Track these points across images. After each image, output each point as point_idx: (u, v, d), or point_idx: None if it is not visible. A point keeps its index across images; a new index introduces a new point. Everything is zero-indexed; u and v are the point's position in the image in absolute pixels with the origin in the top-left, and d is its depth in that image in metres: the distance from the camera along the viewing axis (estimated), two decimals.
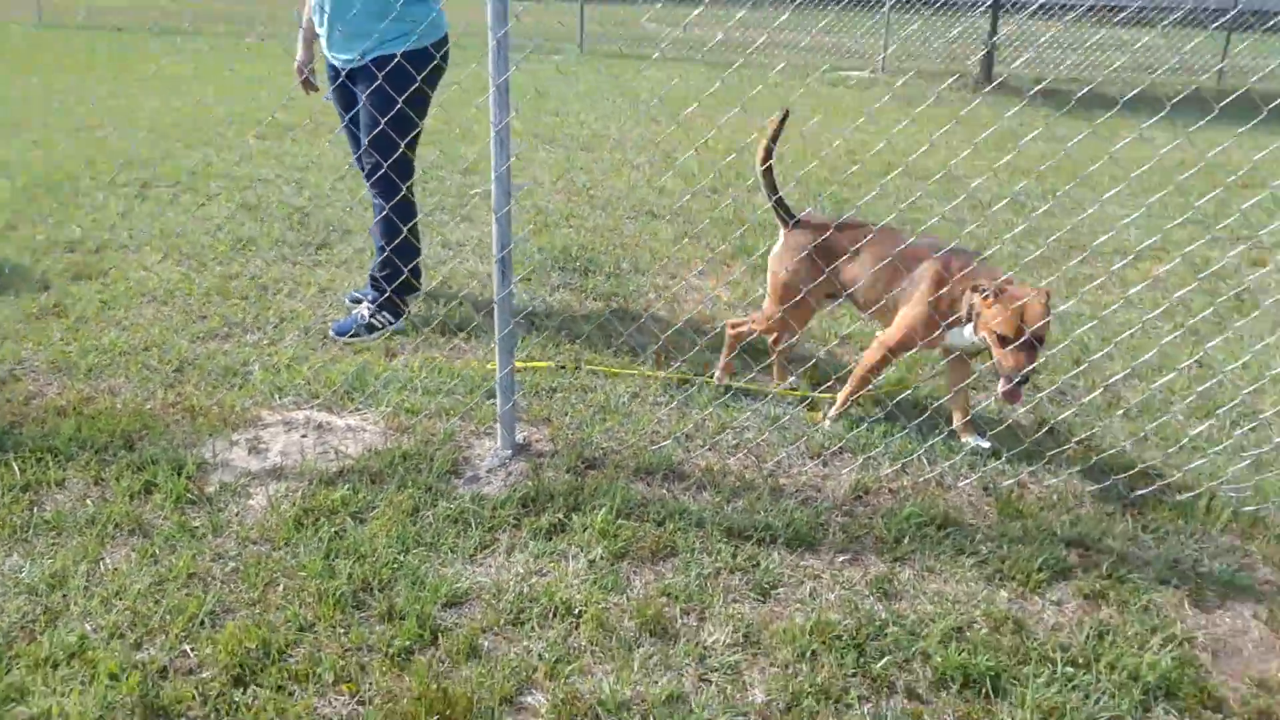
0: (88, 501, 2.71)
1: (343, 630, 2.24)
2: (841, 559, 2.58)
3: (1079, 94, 3.36)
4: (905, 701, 2.12)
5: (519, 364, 3.49)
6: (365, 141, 3.71)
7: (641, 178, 6.15)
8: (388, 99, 3.58)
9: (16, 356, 3.56)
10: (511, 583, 2.42)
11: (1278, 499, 2.90)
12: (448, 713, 2.00)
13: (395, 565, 2.47)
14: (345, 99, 3.88)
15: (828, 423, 3.24)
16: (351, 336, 3.84)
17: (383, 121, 3.59)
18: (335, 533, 2.59)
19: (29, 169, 6.04)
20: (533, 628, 2.28)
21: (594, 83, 10.14)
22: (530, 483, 2.84)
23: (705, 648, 2.24)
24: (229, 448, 3.04)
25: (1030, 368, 2.74)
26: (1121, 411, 3.45)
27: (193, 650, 2.17)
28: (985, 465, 3.04)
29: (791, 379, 3.55)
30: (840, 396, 3.24)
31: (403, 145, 3.64)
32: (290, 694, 2.06)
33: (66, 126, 7.32)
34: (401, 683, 2.09)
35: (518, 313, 4.04)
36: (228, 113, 7.96)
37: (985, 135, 3.62)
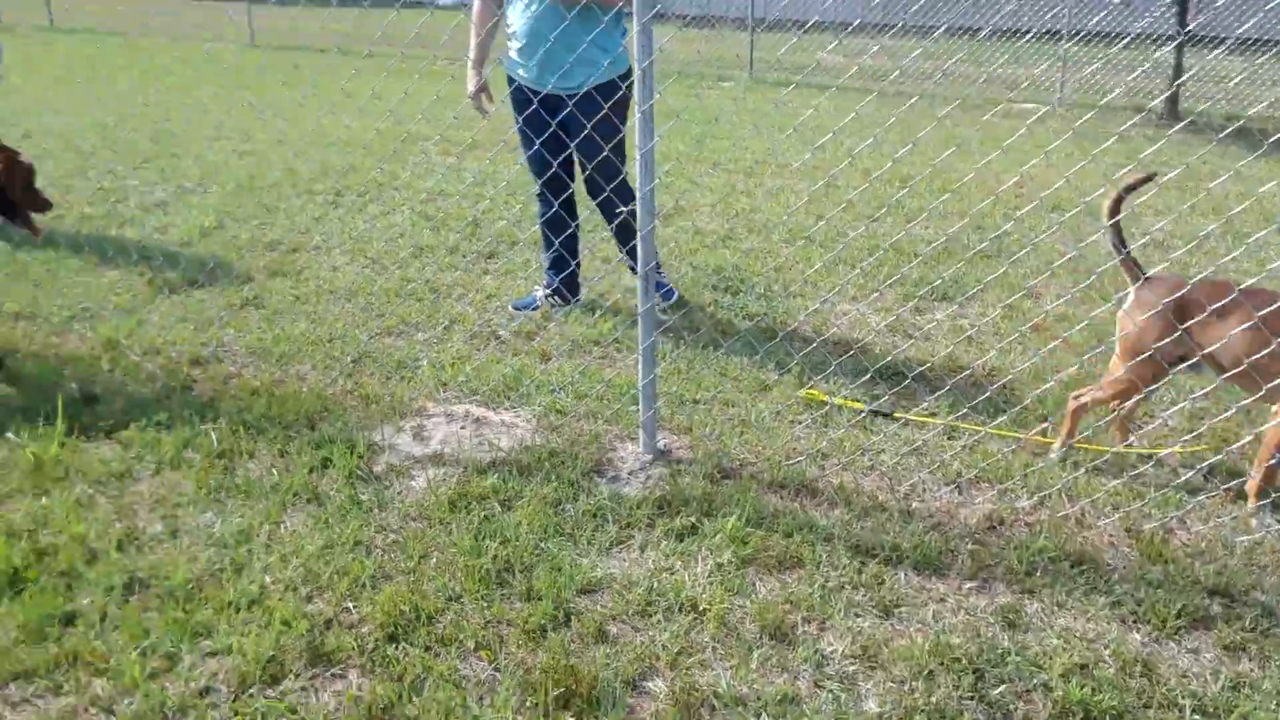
0: (273, 471, 3.02)
1: (485, 604, 2.43)
2: (968, 586, 2.60)
3: (1276, 136, 3.25)
4: None
5: (840, 401, 3.58)
6: (584, 165, 4.09)
7: (801, 204, 6.24)
8: (603, 127, 3.88)
9: (220, 340, 3.97)
10: (642, 577, 2.56)
11: None
12: (575, 687, 2.16)
13: (536, 551, 2.65)
14: (536, 123, 4.10)
15: (1254, 514, 2.98)
16: (521, 309, 4.39)
17: (605, 148, 3.93)
18: (485, 517, 2.80)
19: (236, 176, 6.64)
20: (659, 620, 2.41)
21: (762, 110, 10.29)
22: (667, 486, 2.98)
23: (823, 656, 2.31)
24: (396, 433, 3.31)
25: None
26: None
27: (354, 607, 2.40)
28: (1129, 505, 2.99)
29: (1130, 439, 3.39)
30: (1258, 477, 2.99)
31: (622, 171, 4.09)
32: (436, 654, 2.26)
33: (270, 138, 7.99)
34: (535, 656, 2.26)
35: (662, 326, 4.20)
36: (415, 130, 8.50)
37: (1171, 176, 3.55)
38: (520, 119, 4.16)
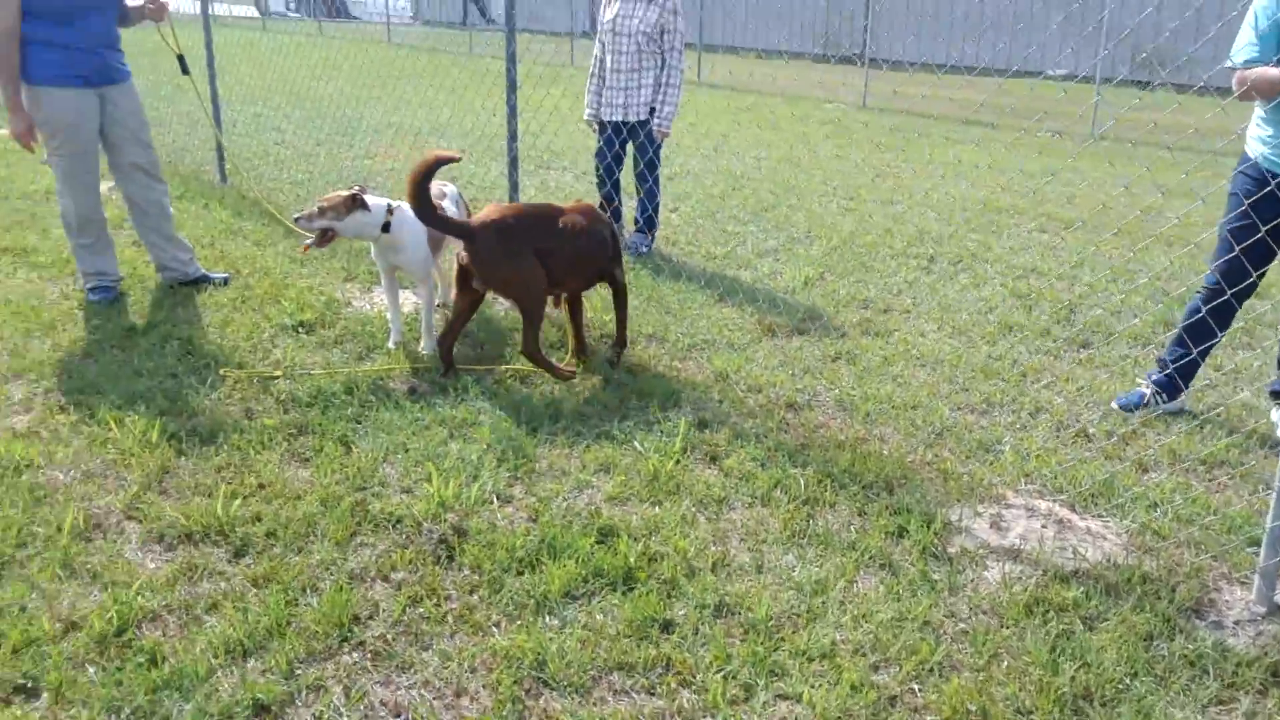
0: (851, 528, 3.13)
1: None
2: None
3: None
4: None
5: None
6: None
7: None
8: None
9: (812, 389, 4.22)
10: None
11: None
12: None
13: (1120, 686, 2.42)
14: (1268, 213, 3.60)
15: None
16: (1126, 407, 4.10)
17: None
18: (1063, 631, 2.62)
19: (840, 231, 7.02)
20: None
21: None
22: None
23: None
24: (973, 517, 3.24)
25: None
26: None
27: (919, 690, 2.39)
28: None
29: None
30: None
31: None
32: None
33: (873, 198, 8.34)
34: None
35: None
36: (1011, 203, 8.31)
37: None
38: (1248, 202, 3.66)
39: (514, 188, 4.93)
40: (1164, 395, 4.08)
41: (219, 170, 7.58)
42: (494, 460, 3.41)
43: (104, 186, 4.81)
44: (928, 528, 3.11)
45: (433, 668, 2.44)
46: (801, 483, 3.37)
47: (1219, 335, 3.93)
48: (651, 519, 3.12)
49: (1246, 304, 3.91)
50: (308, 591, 2.68)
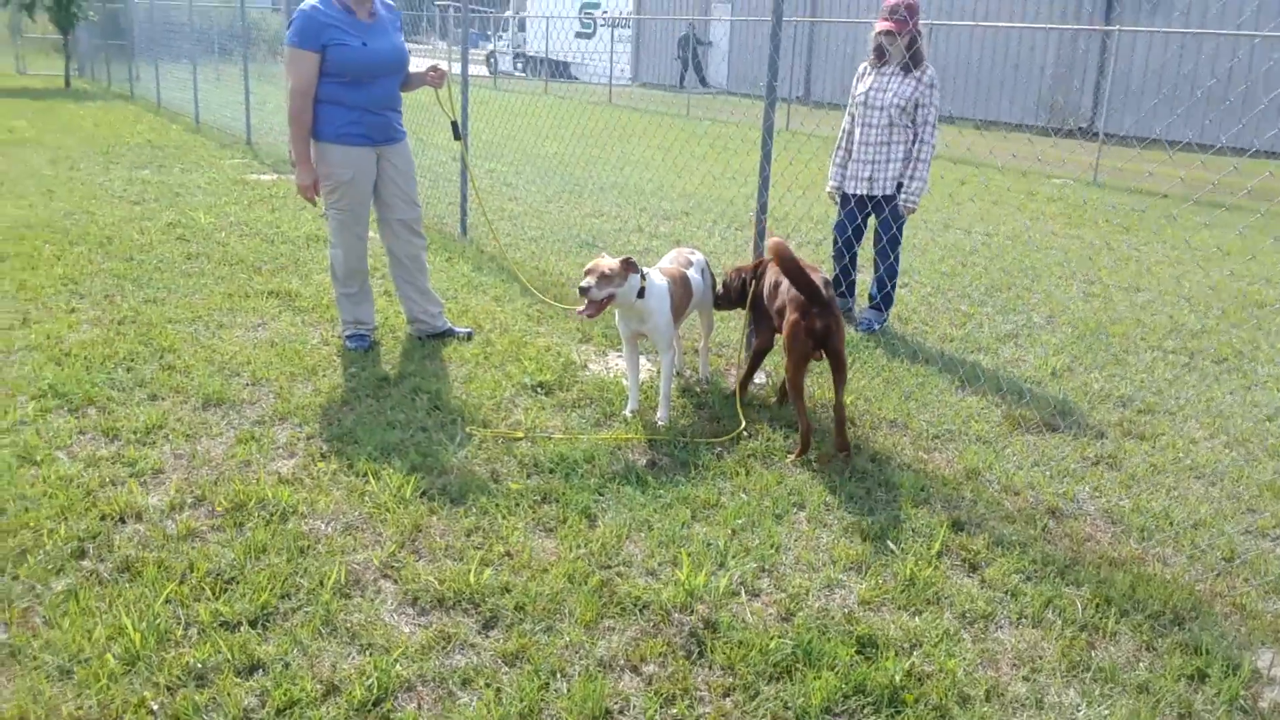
0: (1140, 665, 2.80)
1: None
2: None
3: None
4: None
5: None
6: None
7: None
8: None
9: (1074, 495, 3.87)
10: None
11: None
12: None
13: None
14: None
15: None
16: None
17: None
18: None
19: (1082, 318, 6.56)
20: None
21: None
22: None
23: None
24: None
25: None
26: None
27: None
28: None
29: None
30: None
31: None
32: None
33: (1114, 282, 7.79)
34: None
35: None
36: (1275, 296, 7.57)
37: None
38: None
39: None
40: None
41: (461, 224, 7.91)
42: (740, 548, 3.28)
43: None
44: (1233, 674, 2.74)
45: None
46: (1078, 605, 3.06)
47: None
48: (912, 630, 2.89)
49: None
50: (558, 676, 2.61)
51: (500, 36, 34.84)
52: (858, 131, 5.66)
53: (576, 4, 31.94)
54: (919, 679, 2.68)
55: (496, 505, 3.46)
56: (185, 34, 15.98)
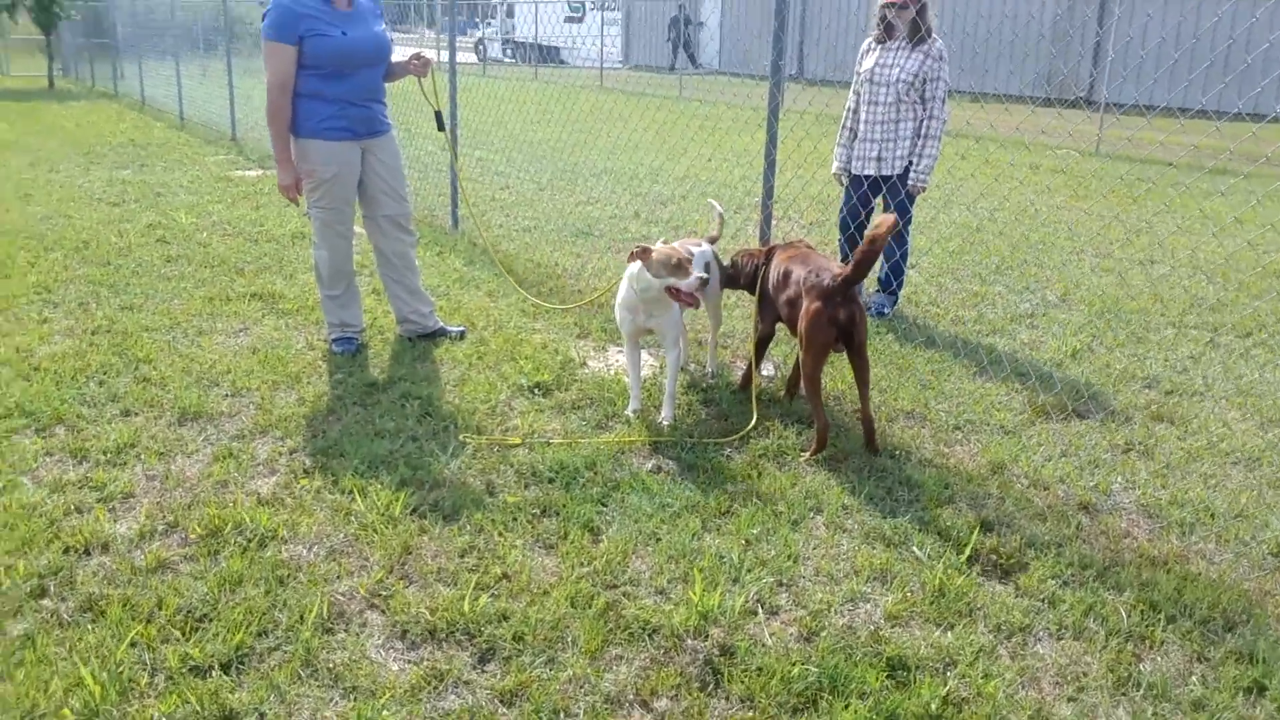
0: (1191, 679, 2.57)
1: None
2: None
3: None
4: None
5: None
6: None
7: None
8: None
9: (1106, 488, 3.64)
10: None
11: None
12: None
13: None
14: None
15: None
16: None
17: None
18: None
19: (1098, 294, 6.31)
20: None
21: None
22: None
23: None
24: None
25: None
26: None
27: None
28: None
29: None
30: None
31: None
32: None
33: (1129, 256, 7.53)
34: None
35: None
36: None
37: None
38: None
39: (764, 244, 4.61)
40: None
41: (451, 216, 7.65)
42: (755, 560, 3.05)
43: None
44: None
45: None
46: (1123, 613, 2.83)
47: None
48: (944, 648, 2.66)
49: None
50: (561, 716, 2.38)
51: (489, 23, 34.43)
52: (864, 110, 5.40)
53: None
54: (956, 705, 2.45)
55: (492, 521, 3.22)
56: (168, 30, 15.67)
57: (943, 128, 5.29)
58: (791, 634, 2.72)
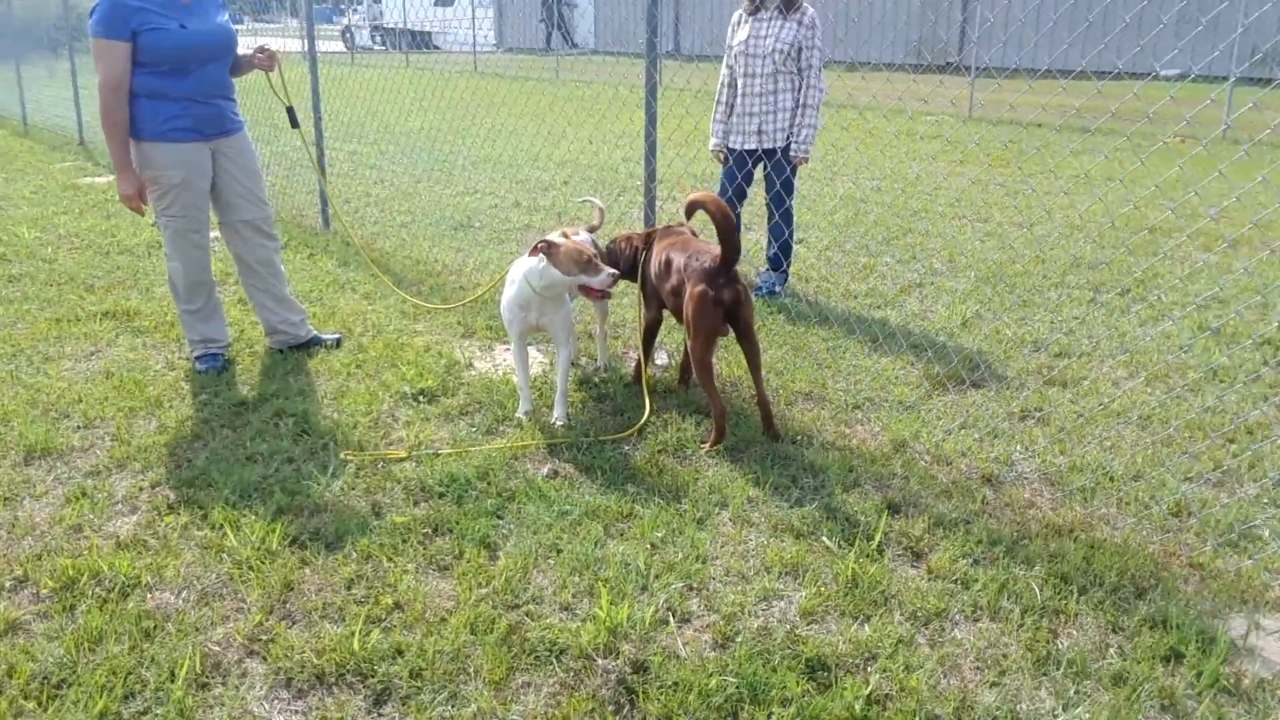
0: (1110, 651, 2.54)
1: None
2: None
3: None
4: None
5: None
6: None
7: None
8: None
9: (1007, 459, 3.62)
10: None
11: None
12: None
13: None
14: None
15: None
16: None
17: None
18: None
19: (983, 260, 6.39)
20: None
21: None
22: None
23: None
24: (1256, 632, 2.62)
25: None
26: None
27: None
28: None
29: None
30: None
31: None
32: None
33: (1008, 220, 7.67)
34: None
35: None
36: (1161, 220, 7.56)
37: None
38: None
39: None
40: None
41: (322, 216, 7.28)
42: (662, 565, 2.90)
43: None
44: (1208, 651, 2.51)
45: None
46: (1036, 589, 2.79)
47: None
48: (863, 643, 2.57)
49: None
50: None
51: (355, 9, 33.38)
52: (740, 83, 5.29)
53: None
54: (880, 703, 2.36)
55: (380, 546, 3.00)
56: (6, 30, 14.59)
57: (821, 96, 5.22)
58: (706, 642, 2.59)
